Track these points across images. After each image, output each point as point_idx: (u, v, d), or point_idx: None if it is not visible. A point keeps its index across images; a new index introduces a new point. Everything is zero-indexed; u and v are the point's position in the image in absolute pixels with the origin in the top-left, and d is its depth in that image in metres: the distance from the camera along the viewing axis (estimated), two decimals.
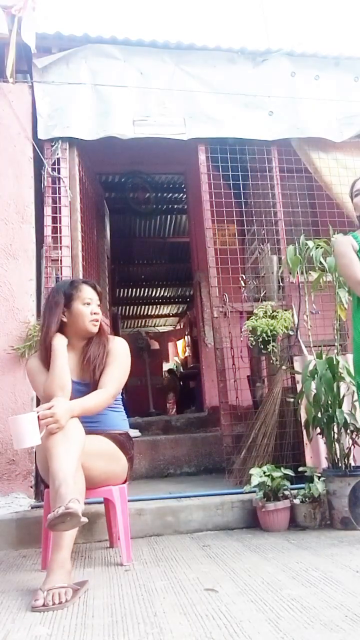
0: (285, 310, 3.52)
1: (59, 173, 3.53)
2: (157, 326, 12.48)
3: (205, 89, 3.80)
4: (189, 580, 2.06)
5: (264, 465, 2.96)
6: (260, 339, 3.35)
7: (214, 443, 3.95)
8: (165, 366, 10.58)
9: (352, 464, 2.92)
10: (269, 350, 3.35)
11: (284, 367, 3.45)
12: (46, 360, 2.39)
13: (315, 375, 2.93)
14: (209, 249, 3.66)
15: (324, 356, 3.00)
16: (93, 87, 3.63)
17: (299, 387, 3.26)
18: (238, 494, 3.01)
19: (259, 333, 3.34)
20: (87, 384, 2.42)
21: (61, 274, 3.42)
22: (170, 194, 7.05)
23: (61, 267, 3.43)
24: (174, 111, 3.73)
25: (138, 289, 10.56)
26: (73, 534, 2.02)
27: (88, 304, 2.45)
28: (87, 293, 2.46)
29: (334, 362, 2.94)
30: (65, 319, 2.43)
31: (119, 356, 2.47)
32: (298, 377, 3.30)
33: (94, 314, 2.45)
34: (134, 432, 3.17)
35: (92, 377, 2.42)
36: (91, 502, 2.67)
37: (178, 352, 11.26)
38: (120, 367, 2.46)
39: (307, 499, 2.85)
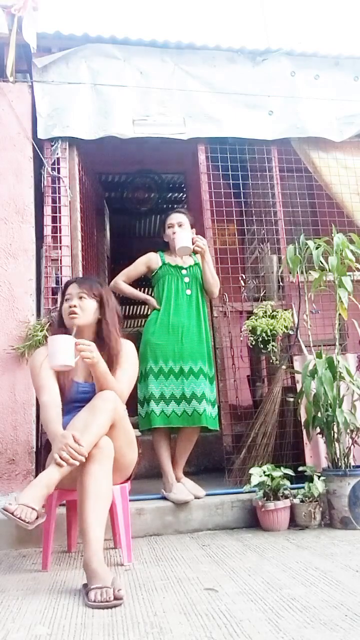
0: (285, 310, 3.52)
1: (58, 173, 3.53)
2: None
3: (205, 89, 3.80)
4: (189, 579, 2.06)
5: (264, 464, 2.96)
6: (260, 339, 3.35)
7: (213, 443, 3.94)
8: None
9: (352, 464, 2.93)
10: (268, 350, 3.35)
11: (283, 367, 3.45)
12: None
13: (315, 375, 2.93)
14: (209, 248, 3.65)
15: (324, 356, 3.00)
16: (93, 86, 3.63)
17: (299, 386, 3.26)
18: (238, 494, 3.02)
19: (258, 333, 3.35)
20: (92, 384, 2.41)
21: (61, 274, 3.42)
22: (171, 194, 7.06)
23: (61, 267, 3.43)
24: (174, 111, 3.72)
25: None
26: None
27: (67, 299, 2.49)
28: (68, 290, 2.52)
29: (334, 362, 2.94)
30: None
31: (127, 360, 2.48)
32: (298, 377, 3.30)
33: (72, 307, 2.46)
34: (134, 432, 3.16)
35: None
36: None
37: None
38: (128, 371, 2.47)
39: (307, 499, 2.85)
